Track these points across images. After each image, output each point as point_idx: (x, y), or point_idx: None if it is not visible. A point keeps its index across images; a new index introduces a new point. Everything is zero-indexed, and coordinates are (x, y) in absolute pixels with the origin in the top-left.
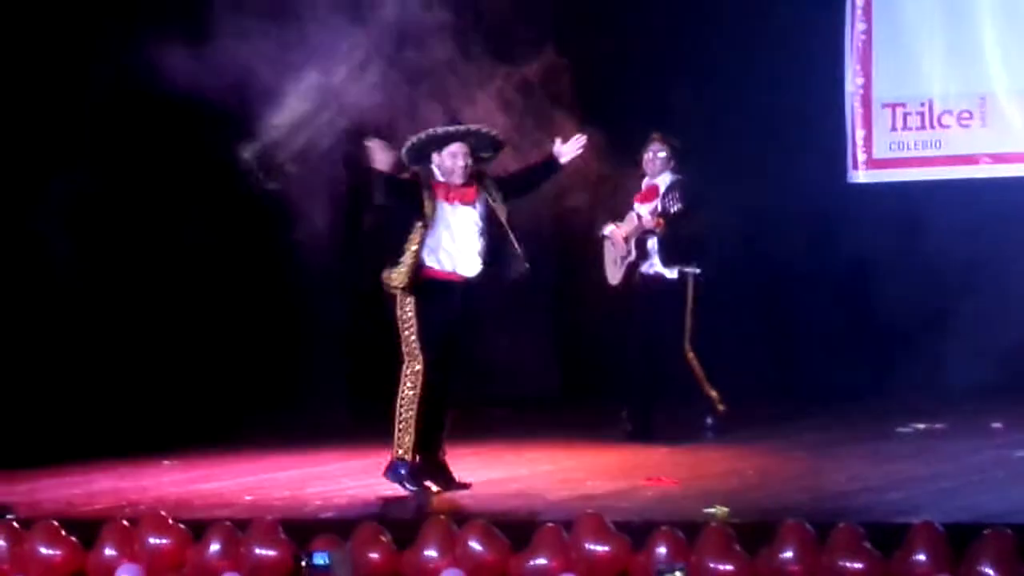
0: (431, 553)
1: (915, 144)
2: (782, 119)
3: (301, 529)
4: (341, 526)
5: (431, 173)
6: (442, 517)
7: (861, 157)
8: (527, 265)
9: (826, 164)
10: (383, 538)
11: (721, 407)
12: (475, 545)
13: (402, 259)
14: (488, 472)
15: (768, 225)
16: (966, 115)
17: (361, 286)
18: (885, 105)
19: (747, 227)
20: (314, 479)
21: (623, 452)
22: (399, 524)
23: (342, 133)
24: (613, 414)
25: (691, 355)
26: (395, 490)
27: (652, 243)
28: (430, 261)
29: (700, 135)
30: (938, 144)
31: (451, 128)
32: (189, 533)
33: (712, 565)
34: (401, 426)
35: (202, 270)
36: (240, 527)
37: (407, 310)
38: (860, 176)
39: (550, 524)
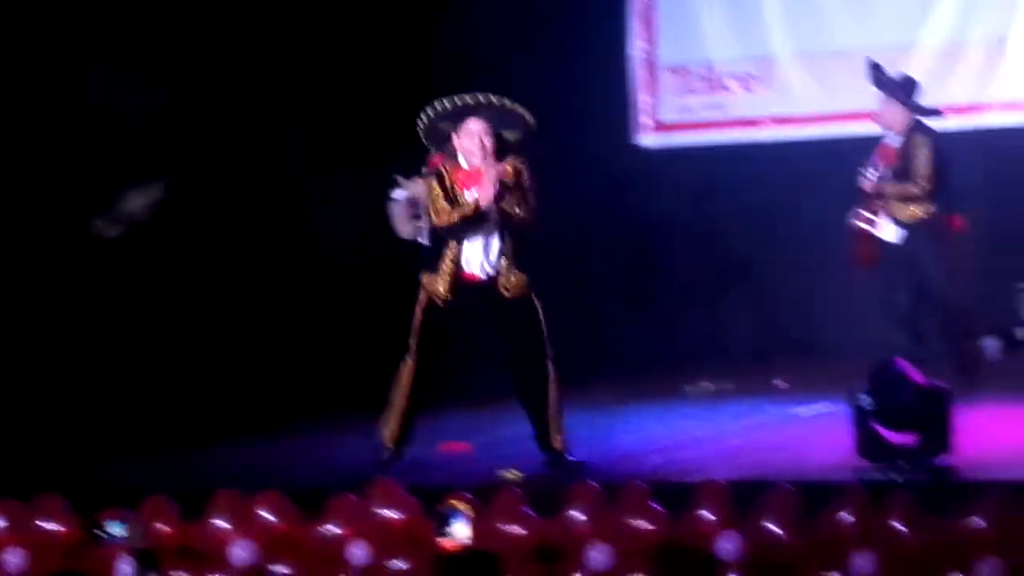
0: (221, 524)
1: (700, 107)
2: (566, 85)
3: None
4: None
5: (456, 160)
6: (233, 490)
7: (648, 122)
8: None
9: (612, 129)
10: (171, 510)
11: None
12: (266, 515)
13: (440, 264)
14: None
15: (556, 192)
16: (748, 78)
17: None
18: (670, 69)
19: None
20: None
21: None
22: (188, 496)
23: None
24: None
25: None
26: None
27: None
28: (462, 263)
29: None
30: (722, 107)
31: (457, 99)
32: None
33: (503, 527)
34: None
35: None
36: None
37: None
38: (647, 140)
39: (343, 492)
